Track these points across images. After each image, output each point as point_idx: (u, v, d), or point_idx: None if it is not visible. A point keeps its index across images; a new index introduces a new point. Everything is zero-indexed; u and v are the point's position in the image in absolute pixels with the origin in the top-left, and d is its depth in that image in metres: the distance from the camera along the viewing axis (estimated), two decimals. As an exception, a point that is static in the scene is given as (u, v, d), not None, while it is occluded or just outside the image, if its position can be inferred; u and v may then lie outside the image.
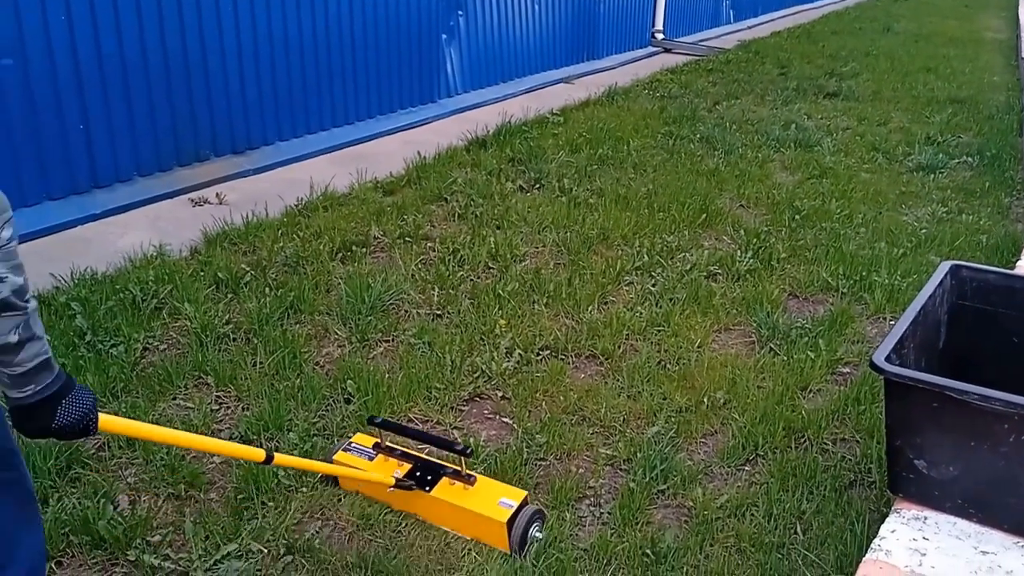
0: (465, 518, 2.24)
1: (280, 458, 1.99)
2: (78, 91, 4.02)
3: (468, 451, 2.28)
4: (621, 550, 2.18)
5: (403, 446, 2.42)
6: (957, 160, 5.62)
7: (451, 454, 2.31)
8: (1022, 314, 2.28)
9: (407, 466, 2.34)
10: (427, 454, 2.43)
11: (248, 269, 3.62)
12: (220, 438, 2.58)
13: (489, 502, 2.22)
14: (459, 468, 2.29)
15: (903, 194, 5.00)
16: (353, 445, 2.42)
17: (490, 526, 2.19)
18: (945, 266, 2.34)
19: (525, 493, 2.26)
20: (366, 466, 2.34)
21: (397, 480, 2.28)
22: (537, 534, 2.23)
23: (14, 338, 1.34)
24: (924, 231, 4.37)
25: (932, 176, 5.31)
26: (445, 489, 2.27)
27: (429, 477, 2.30)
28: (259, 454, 1.92)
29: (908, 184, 5.18)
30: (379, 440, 2.41)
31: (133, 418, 2.56)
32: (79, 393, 1.46)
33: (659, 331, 3.28)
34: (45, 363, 1.39)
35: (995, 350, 2.32)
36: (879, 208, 4.73)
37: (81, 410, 1.46)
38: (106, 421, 1.52)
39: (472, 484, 2.27)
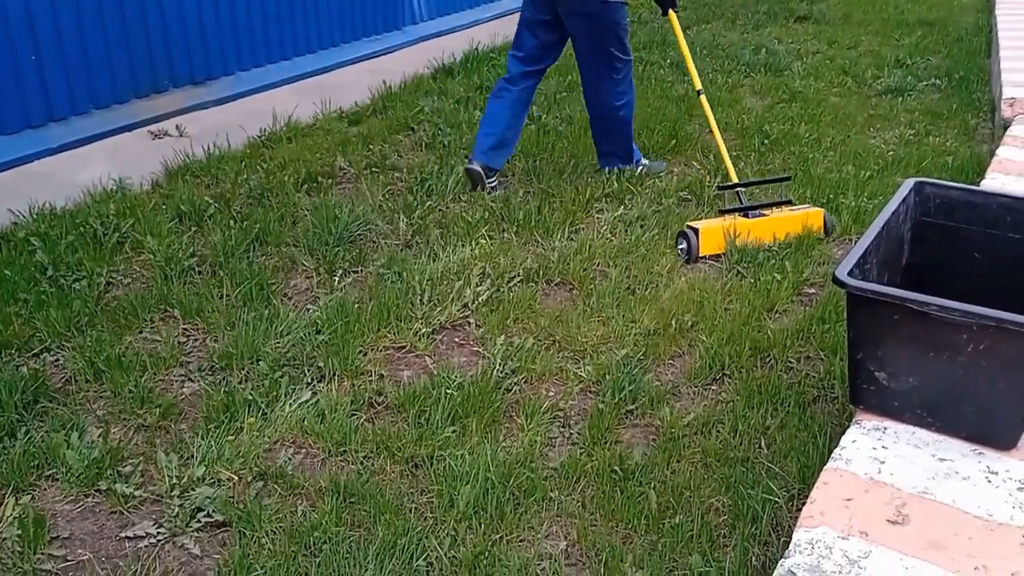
0: (796, 221, 3.46)
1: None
2: (27, 20, 3.87)
3: (788, 178, 3.75)
4: (590, 468, 2.22)
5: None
6: (925, 83, 5.61)
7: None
8: (984, 229, 2.30)
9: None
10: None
11: (211, 202, 3.55)
12: (189, 370, 2.59)
13: (805, 211, 3.53)
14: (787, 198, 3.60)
15: (871, 117, 5.00)
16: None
17: (814, 216, 3.48)
18: (909, 183, 2.34)
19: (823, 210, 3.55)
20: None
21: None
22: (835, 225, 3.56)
23: None
24: (891, 153, 4.38)
25: (900, 99, 5.31)
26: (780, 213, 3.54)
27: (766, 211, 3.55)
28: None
29: (876, 107, 5.17)
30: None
31: (98, 353, 2.56)
32: None
33: (628, 256, 3.29)
34: None
35: (958, 265, 2.34)
36: (847, 131, 4.72)
37: None
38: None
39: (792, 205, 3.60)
